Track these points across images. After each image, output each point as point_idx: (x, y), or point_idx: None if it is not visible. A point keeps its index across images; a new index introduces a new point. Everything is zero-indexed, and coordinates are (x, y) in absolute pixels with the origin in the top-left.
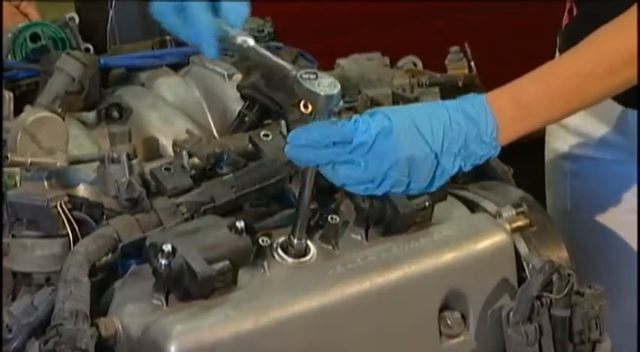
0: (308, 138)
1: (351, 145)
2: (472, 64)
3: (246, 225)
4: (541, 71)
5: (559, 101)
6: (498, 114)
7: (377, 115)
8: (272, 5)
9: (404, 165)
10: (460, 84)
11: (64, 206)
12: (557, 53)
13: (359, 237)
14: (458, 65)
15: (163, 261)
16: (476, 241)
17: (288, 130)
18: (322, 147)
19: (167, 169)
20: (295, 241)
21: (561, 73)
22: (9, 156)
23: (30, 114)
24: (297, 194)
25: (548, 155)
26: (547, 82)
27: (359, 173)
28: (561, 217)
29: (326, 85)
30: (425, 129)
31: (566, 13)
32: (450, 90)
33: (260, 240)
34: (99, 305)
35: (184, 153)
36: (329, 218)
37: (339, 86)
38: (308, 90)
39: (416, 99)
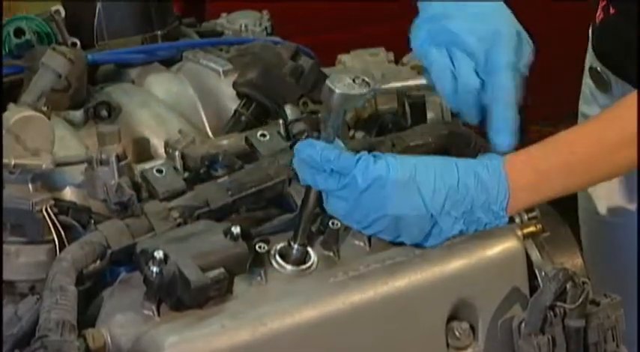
0: (310, 156)
1: (345, 180)
2: None
3: (242, 230)
4: (562, 137)
5: (580, 171)
6: (512, 182)
7: (380, 161)
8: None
9: (391, 222)
10: None
11: (49, 210)
12: (589, 50)
13: (362, 244)
14: None
15: (155, 269)
16: (485, 247)
17: (287, 130)
18: (320, 170)
19: (159, 171)
20: (296, 247)
21: (583, 142)
22: None
23: (14, 114)
24: (295, 197)
25: None
26: (567, 151)
27: (346, 211)
28: (593, 219)
29: (347, 83)
30: (425, 189)
31: (600, 9)
32: None
33: (257, 247)
34: (86, 316)
35: (177, 154)
36: (330, 223)
37: (361, 90)
38: (327, 86)
39: (422, 97)
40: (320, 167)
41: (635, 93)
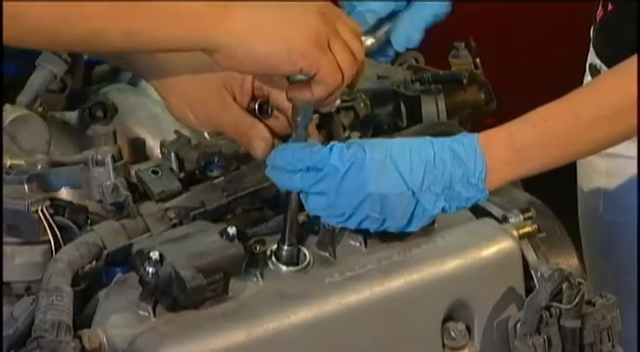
0: (283, 159)
1: (322, 173)
2: (477, 60)
3: (238, 231)
4: (538, 113)
5: (556, 146)
6: (489, 157)
7: (353, 146)
8: None
9: (375, 202)
10: (464, 81)
11: (45, 211)
12: (591, 48)
13: (357, 244)
14: (462, 61)
15: (150, 269)
16: (481, 248)
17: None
18: (296, 170)
19: (154, 172)
20: (285, 248)
21: (560, 116)
22: None
23: (9, 114)
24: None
25: None
26: (543, 125)
27: (328, 204)
28: (593, 218)
29: None
30: (403, 166)
31: (600, 7)
32: (454, 88)
33: (253, 247)
34: (82, 316)
35: (173, 155)
36: (325, 223)
37: None
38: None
39: (417, 97)
40: (294, 168)
41: (613, 69)
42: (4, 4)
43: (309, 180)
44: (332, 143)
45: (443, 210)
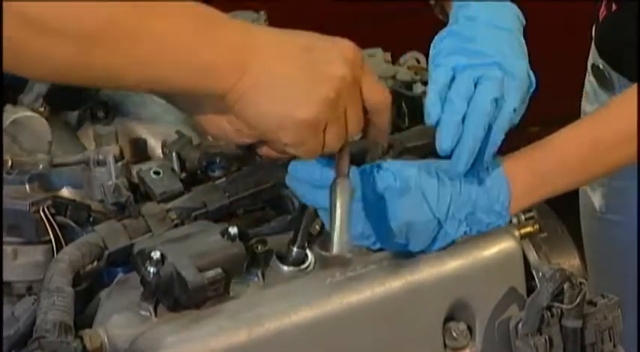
0: (309, 174)
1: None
2: None
3: (239, 231)
4: (559, 138)
5: (576, 171)
6: (512, 183)
7: (382, 172)
8: None
9: (401, 229)
10: None
11: (47, 210)
12: (592, 47)
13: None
14: None
15: (152, 269)
16: (482, 248)
17: None
18: (321, 187)
19: (156, 173)
20: (295, 249)
21: (579, 142)
22: None
23: (11, 114)
24: (293, 200)
25: None
26: (564, 152)
27: (354, 231)
28: (594, 217)
29: None
30: (431, 195)
31: (602, 7)
32: None
33: (254, 247)
34: (83, 316)
35: (174, 154)
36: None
37: None
38: None
39: (419, 98)
40: (320, 185)
41: (629, 90)
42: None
43: None
44: (362, 167)
45: (464, 233)
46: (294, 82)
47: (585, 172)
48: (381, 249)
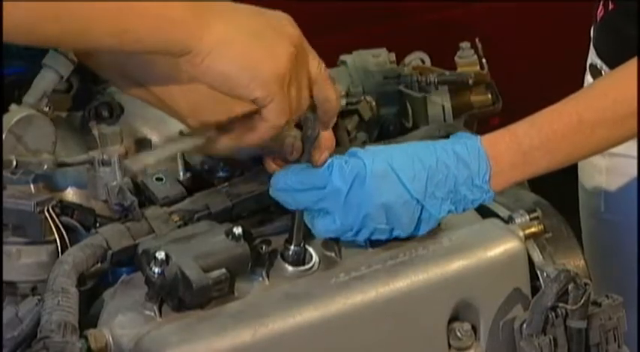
0: (286, 182)
1: (325, 191)
2: (483, 60)
3: (243, 231)
4: (542, 116)
5: (561, 149)
6: (496, 159)
7: (352, 160)
8: None
9: (381, 214)
10: (471, 82)
11: (51, 211)
12: (590, 47)
13: (363, 244)
14: (468, 61)
15: (156, 269)
16: (487, 248)
17: None
18: (300, 190)
19: (159, 179)
20: (292, 248)
21: (565, 120)
22: None
23: (15, 114)
24: None
25: None
26: (548, 129)
27: (335, 224)
28: (594, 217)
29: None
30: (405, 174)
31: (600, 6)
32: (460, 89)
33: (259, 247)
34: (88, 316)
35: (178, 156)
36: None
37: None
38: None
39: (423, 98)
40: (298, 188)
41: (614, 71)
42: None
43: (312, 197)
44: (330, 160)
45: (449, 212)
46: (260, 38)
47: (570, 151)
48: (377, 245)
